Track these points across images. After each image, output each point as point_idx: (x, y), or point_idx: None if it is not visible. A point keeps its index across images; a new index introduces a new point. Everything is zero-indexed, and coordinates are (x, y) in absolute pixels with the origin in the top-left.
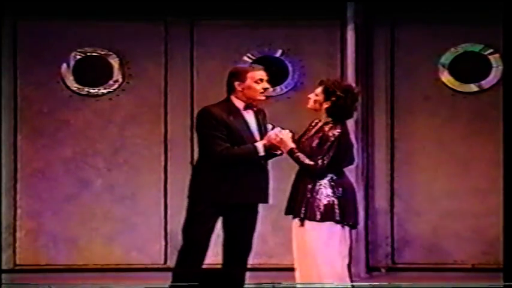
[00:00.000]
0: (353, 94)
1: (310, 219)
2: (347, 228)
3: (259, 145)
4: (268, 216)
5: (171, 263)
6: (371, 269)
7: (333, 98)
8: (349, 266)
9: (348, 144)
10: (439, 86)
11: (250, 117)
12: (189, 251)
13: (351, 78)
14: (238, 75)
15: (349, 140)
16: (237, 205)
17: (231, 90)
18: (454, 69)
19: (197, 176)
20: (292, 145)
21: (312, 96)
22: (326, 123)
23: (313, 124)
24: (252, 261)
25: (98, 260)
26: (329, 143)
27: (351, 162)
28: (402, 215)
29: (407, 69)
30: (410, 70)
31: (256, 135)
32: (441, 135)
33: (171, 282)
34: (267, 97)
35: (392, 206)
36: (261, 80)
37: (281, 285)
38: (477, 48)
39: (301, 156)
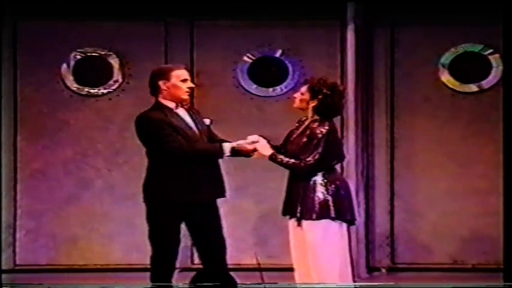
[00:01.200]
0: (339, 91)
1: (306, 219)
2: (344, 225)
3: (227, 146)
4: (268, 217)
5: None
6: (371, 269)
7: (320, 96)
8: (351, 262)
9: (336, 141)
10: (439, 86)
11: (184, 114)
12: (161, 256)
13: (350, 78)
14: (162, 74)
15: (337, 137)
16: (194, 204)
17: (156, 91)
18: (454, 69)
19: (150, 181)
20: (270, 151)
21: (297, 95)
22: (313, 121)
23: (299, 123)
24: (252, 261)
25: (98, 260)
26: (316, 140)
27: (341, 160)
28: (402, 215)
29: (407, 70)
30: (410, 70)
31: (196, 131)
32: (441, 135)
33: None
34: (274, 96)
35: (392, 206)
36: (186, 79)
37: (279, 285)
38: (477, 48)
39: (284, 158)
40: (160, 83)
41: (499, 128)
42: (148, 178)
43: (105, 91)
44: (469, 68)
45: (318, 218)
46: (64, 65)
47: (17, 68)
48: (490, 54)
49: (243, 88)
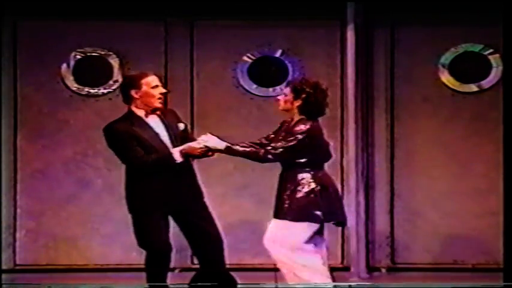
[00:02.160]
0: (322, 90)
1: (288, 219)
2: (325, 226)
3: (176, 152)
4: (268, 217)
5: (172, 263)
6: (371, 269)
7: (303, 95)
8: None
9: (318, 140)
10: (439, 86)
11: (155, 122)
12: (157, 258)
13: (350, 78)
14: (132, 83)
15: (321, 136)
16: (172, 211)
17: (129, 100)
18: (454, 69)
19: (127, 190)
20: (223, 143)
21: (281, 97)
22: (298, 121)
23: (284, 125)
24: (252, 261)
25: (98, 260)
26: (291, 135)
27: (326, 159)
28: (402, 215)
29: (407, 69)
30: (410, 70)
31: (166, 140)
32: (441, 135)
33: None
34: (274, 96)
35: (392, 206)
36: (157, 85)
37: (279, 285)
38: (477, 48)
39: (240, 147)
40: (132, 92)
41: (499, 127)
42: (126, 187)
43: (105, 91)
44: (469, 68)
45: (301, 218)
46: (64, 65)
47: (17, 68)
48: (490, 54)
49: (243, 88)
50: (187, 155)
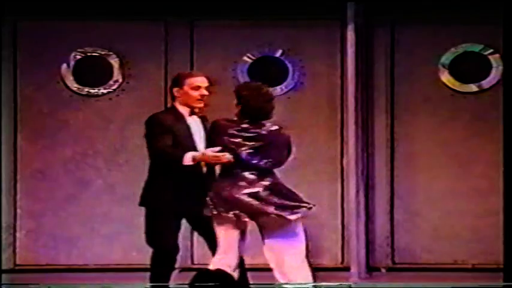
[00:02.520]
0: (262, 93)
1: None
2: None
3: (188, 155)
4: None
5: None
6: (371, 269)
7: (242, 100)
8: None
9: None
10: (439, 86)
11: (195, 123)
12: (163, 258)
13: (350, 78)
14: (177, 81)
15: (220, 134)
16: (185, 213)
17: (173, 97)
18: (454, 69)
19: (146, 185)
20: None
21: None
22: None
23: None
24: (252, 261)
25: (98, 260)
26: None
27: (238, 161)
28: (402, 215)
29: (407, 69)
30: (410, 70)
31: (198, 143)
32: (441, 135)
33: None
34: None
35: (392, 206)
36: (199, 86)
37: (278, 285)
38: (477, 48)
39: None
40: (174, 90)
41: (499, 128)
42: (146, 182)
43: (105, 91)
44: (469, 68)
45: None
46: (64, 65)
47: (17, 68)
48: (490, 54)
49: None
50: (199, 162)
